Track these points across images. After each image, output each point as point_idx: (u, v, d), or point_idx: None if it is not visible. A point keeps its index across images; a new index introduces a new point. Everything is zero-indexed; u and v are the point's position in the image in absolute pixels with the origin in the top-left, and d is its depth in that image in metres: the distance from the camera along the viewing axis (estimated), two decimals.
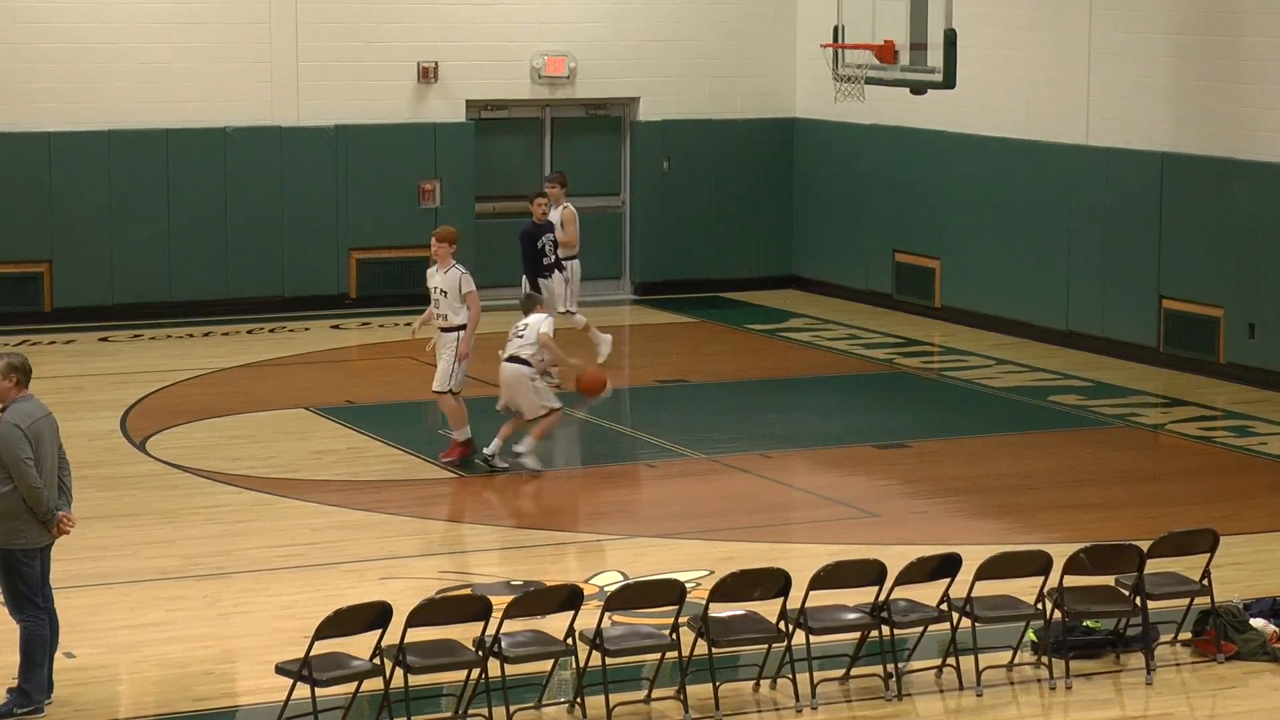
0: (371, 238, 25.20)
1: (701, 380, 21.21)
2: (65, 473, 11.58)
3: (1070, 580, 12.31)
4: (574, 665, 11.54)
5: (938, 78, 19.75)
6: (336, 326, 22.42)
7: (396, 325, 24.16)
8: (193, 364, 21.97)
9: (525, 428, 17.13)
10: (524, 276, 20.68)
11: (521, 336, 17.13)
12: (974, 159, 24.19)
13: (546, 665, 11.67)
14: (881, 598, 12.01)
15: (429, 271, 17.57)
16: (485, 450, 17.18)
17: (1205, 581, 12.63)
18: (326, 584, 13.93)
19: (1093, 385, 21.07)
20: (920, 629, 12.29)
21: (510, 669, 11.37)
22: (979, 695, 11.91)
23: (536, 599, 11.78)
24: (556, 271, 20.86)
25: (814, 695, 11.71)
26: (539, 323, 17.19)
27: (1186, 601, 12.73)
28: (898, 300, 25.40)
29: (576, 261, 21.42)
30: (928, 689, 12.03)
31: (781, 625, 11.78)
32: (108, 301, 24.30)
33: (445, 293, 17.24)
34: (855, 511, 16.41)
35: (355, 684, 11.17)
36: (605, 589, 13.34)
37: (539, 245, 20.63)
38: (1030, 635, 12.46)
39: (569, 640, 11.51)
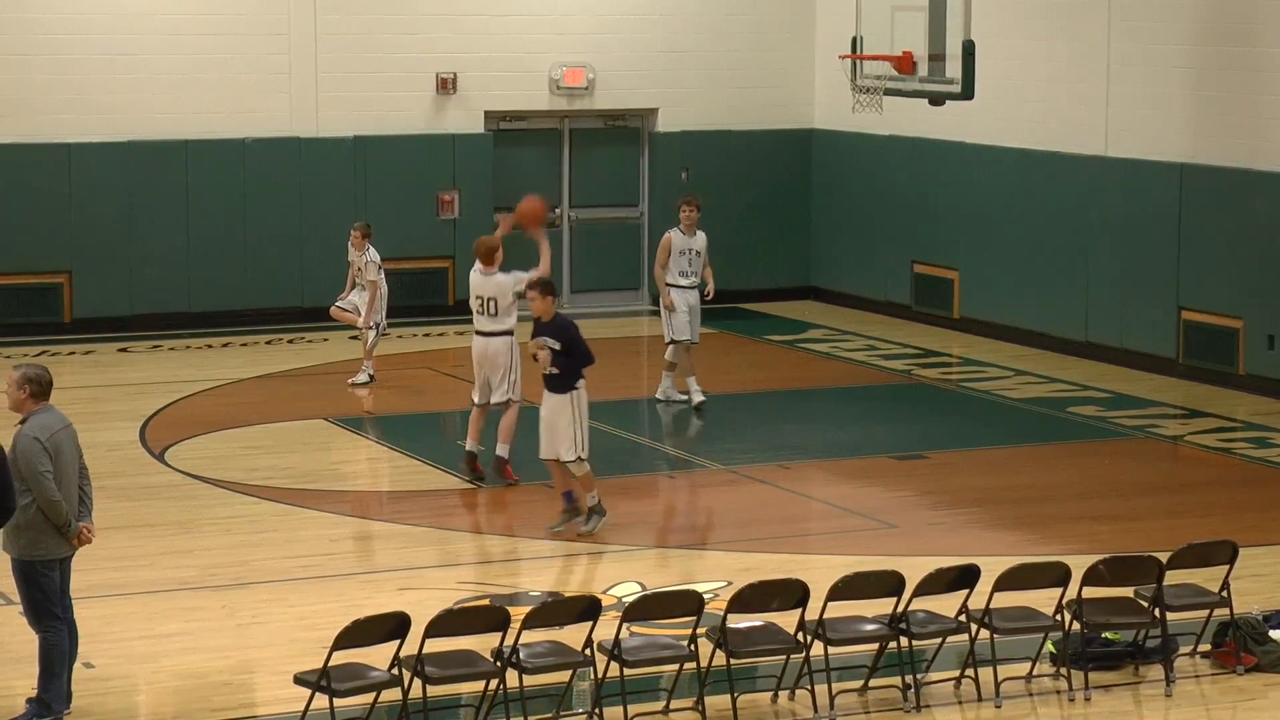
0: (390, 249, 25.15)
1: (720, 391, 21.17)
2: (86, 483, 11.58)
3: (1089, 591, 12.29)
4: (592, 676, 11.53)
5: (956, 89, 19.74)
6: (355, 337, 22.36)
7: (415, 336, 24.18)
8: (211, 375, 21.99)
9: None
10: None
11: None
12: (992, 170, 24.17)
13: (565, 676, 11.66)
14: (900, 609, 11.99)
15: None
16: None
17: (1225, 593, 12.61)
18: (345, 594, 13.92)
19: (1112, 396, 21.03)
20: (939, 640, 12.28)
21: (528, 680, 11.37)
22: (998, 707, 11.89)
23: (555, 610, 11.78)
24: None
25: (832, 706, 11.69)
26: None
27: (1206, 613, 12.70)
28: (916, 311, 25.38)
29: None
30: (946, 700, 12.01)
31: (800, 636, 11.76)
32: (127, 312, 24.33)
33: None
34: (873, 522, 16.38)
35: (373, 695, 11.17)
36: (624, 600, 13.34)
37: None
38: (1049, 647, 12.44)
39: (587, 651, 11.50)
